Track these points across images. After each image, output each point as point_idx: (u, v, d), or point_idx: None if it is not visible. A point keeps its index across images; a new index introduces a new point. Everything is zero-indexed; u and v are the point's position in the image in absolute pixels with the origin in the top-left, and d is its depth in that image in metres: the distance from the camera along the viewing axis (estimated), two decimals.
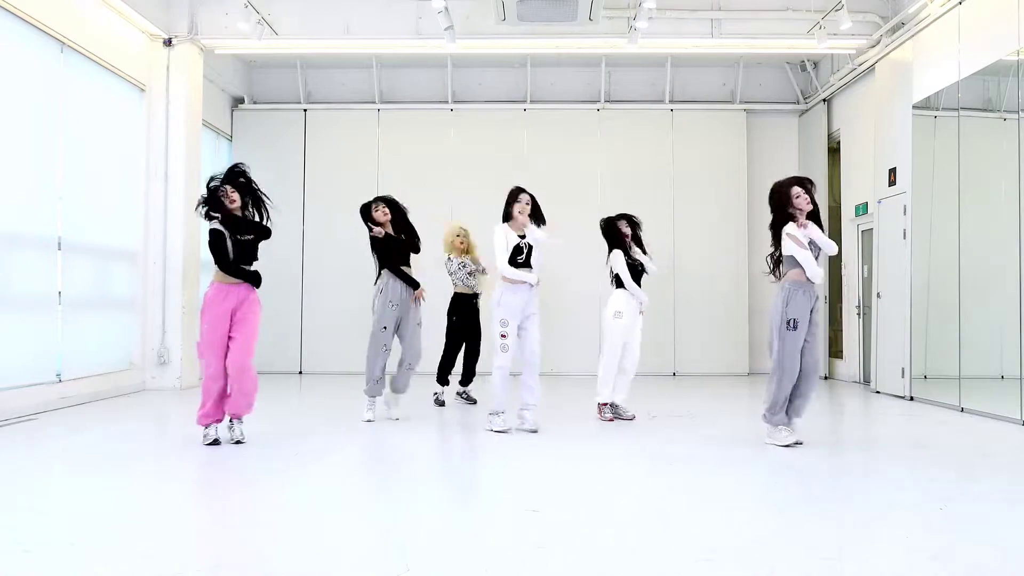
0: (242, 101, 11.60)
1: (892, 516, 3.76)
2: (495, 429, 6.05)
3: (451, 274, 7.86)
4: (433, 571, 2.90)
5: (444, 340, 7.87)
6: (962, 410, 7.43)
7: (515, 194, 6.06)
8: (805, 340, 5.53)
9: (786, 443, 5.50)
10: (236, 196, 5.42)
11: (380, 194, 6.97)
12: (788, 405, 5.59)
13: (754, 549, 3.22)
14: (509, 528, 3.50)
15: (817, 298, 5.60)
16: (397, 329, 6.67)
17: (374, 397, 6.66)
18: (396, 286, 6.63)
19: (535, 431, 6.04)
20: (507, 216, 6.08)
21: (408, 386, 6.81)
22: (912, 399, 8.36)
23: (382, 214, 6.66)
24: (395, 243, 6.66)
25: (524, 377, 6.15)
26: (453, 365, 7.87)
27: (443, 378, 7.81)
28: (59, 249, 7.43)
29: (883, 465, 5.04)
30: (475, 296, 7.90)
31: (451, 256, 7.86)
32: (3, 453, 5.23)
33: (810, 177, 5.81)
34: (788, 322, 5.49)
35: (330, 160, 11.53)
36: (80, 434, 6.08)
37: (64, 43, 7.52)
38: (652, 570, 2.94)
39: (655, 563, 3.02)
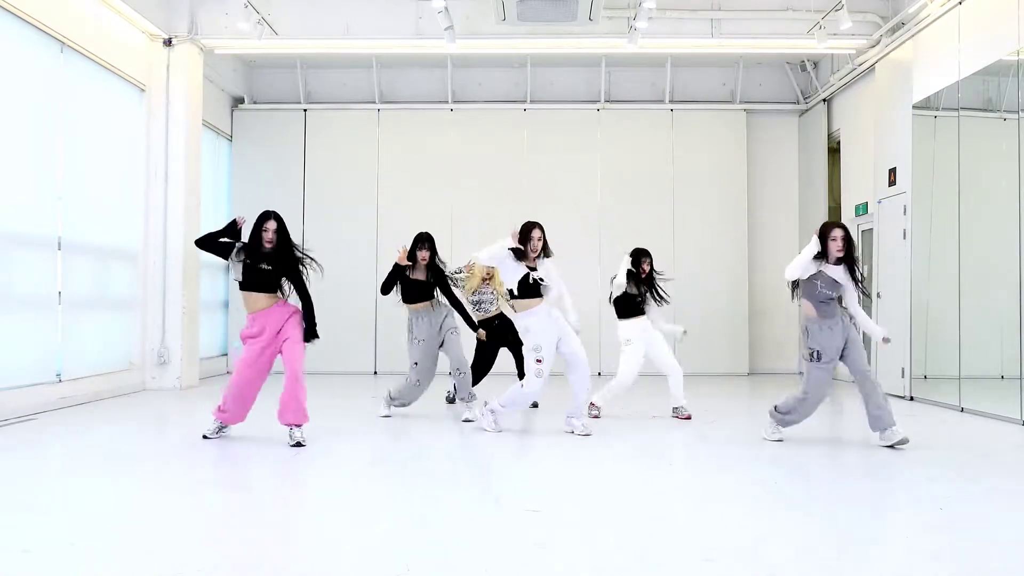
0: (242, 101, 11.60)
1: (892, 516, 3.76)
2: (484, 426, 6.14)
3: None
4: (433, 571, 2.90)
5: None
6: (962, 410, 7.43)
7: (527, 231, 5.99)
8: (847, 355, 5.58)
9: (770, 437, 5.74)
10: (272, 234, 5.58)
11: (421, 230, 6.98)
12: (868, 417, 5.63)
13: (754, 549, 3.22)
14: (509, 528, 3.51)
15: (847, 328, 5.58)
16: (435, 357, 6.82)
17: (389, 406, 6.92)
18: (421, 323, 6.76)
19: (587, 435, 5.98)
20: (520, 252, 5.97)
21: (470, 391, 6.88)
22: (912, 399, 8.36)
23: (421, 258, 6.74)
24: (408, 280, 6.77)
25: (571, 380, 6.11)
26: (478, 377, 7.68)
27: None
28: (59, 249, 7.43)
29: (883, 465, 5.04)
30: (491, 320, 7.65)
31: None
32: (3, 453, 5.23)
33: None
34: (811, 354, 5.57)
35: (330, 160, 11.52)
36: (80, 434, 6.08)
37: (64, 43, 7.51)
38: (652, 570, 2.94)
39: (655, 563, 3.03)
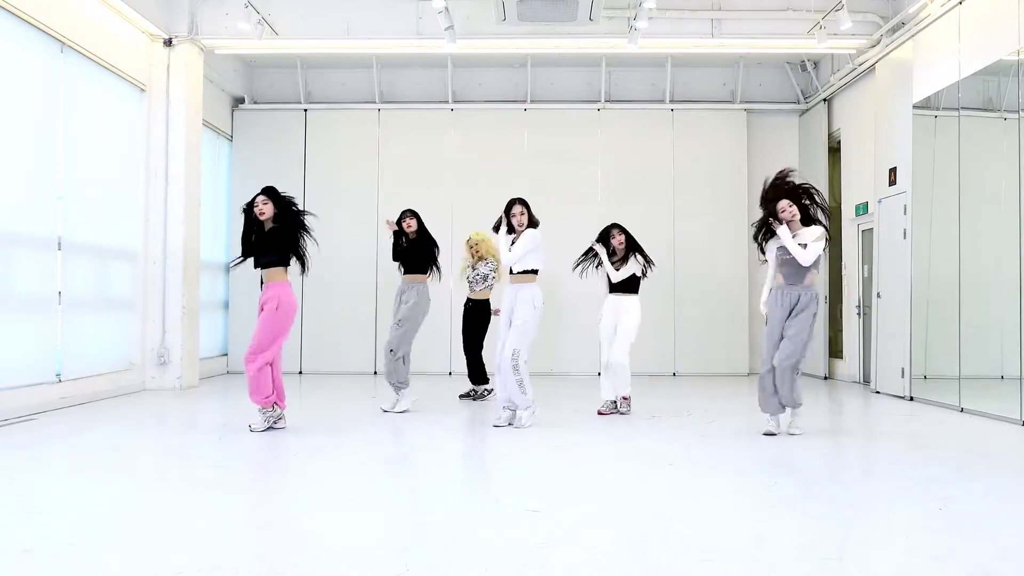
0: (242, 101, 11.60)
1: (892, 516, 3.76)
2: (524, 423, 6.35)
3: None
4: (433, 571, 2.90)
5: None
6: (962, 410, 7.43)
7: (508, 207, 6.38)
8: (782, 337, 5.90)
9: (764, 431, 5.99)
10: (267, 208, 5.98)
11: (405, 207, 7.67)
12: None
13: (754, 549, 3.22)
14: (509, 528, 3.51)
15: (797, 298, 5.86)
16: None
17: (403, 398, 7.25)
18: (400, 294, 7.35)
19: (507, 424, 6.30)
20: (510, 227, 6.39)
21: (392, 376, 7.19)
22: (912, 399, 8.36)
23: (406, 225, 7.35)
24: (401, 248, 7.40)
25: None
26: (471, 364, 8.27)
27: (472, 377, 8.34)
28: (59, 249, 7.43)
29: (883, 465, 5.05)
30: (480, 301, 8.28)
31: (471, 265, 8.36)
32: (3, 453, 5.23)
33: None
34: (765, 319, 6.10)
35: (330, 160, 11.52)
36: (80, 434, 6.08)
37: (64, 43, 7.51)
38: (652, 570, 2.94)
39: (655, 563, 3.03)
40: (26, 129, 7.06)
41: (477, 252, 8.21)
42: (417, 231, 7.35)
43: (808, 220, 5.90)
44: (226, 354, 11.36)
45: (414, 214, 7.41)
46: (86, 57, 7.89)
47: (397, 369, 7.13)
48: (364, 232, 11.41)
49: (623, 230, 7.15)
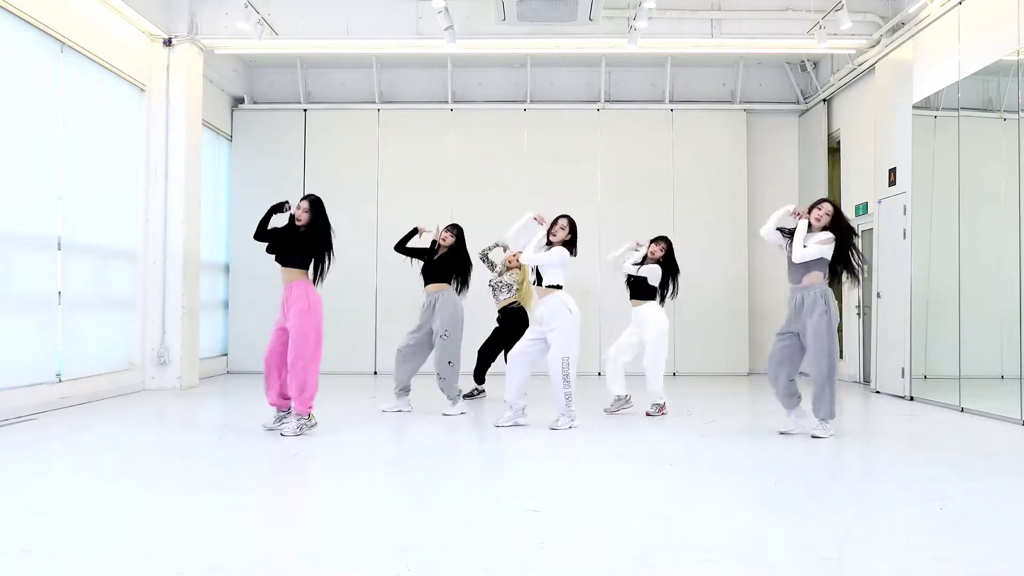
0: (242, 101, 11.60)
1: (892, 515, 3.76)
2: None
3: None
4: (433, 571, 2.91)
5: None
6: (962, 410, 7.43)
7: (553, 221, 6.39)
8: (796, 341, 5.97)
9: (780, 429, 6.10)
10: (304, 215, 6.00)
11: (452, 221, 7.71)
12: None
13: (754, 549, 3.22)
14: (509, 528, 3.51)
15: (801, 300, 5.87)
16: (420, 340, 7.23)
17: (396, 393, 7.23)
18: (425, 306, 7.20)
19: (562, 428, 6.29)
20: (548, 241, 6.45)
21: (446, 392, 7.14)
22: (912, 399, 8.36)
23: (442, 238, 7.21)
24: (431, 259, 7.24)
25: None
26: (479, 364, 8.59)
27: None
28: (59, 249, 7.43)
29: (883, 465, 5.05)
30: (504, 310, 8.51)
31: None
32: (3, 453, 5.23)
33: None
34: None
35: (330, 160, 11.52)
36: (80, 434, 6.08)
37: (64, 43, 7.51)
38: (652, 570, 2.94)
39: (655, 563, 3.03)
40: (26, 129, 7.06)
41: (511, 265, 8.44)
42: (452, 247, 7.17)
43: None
44: (226, 354, 11.36)
45: (458, 233, 7.25)
46: (86, 57, 7.89)
47: (454, 376, 7.10)
48: (364, 232, 11.40)
49: (669, 247, 7.17)
